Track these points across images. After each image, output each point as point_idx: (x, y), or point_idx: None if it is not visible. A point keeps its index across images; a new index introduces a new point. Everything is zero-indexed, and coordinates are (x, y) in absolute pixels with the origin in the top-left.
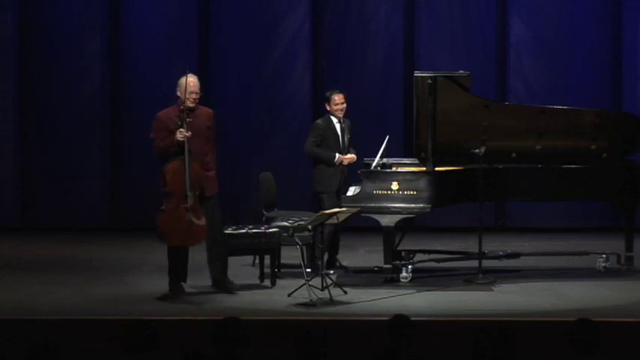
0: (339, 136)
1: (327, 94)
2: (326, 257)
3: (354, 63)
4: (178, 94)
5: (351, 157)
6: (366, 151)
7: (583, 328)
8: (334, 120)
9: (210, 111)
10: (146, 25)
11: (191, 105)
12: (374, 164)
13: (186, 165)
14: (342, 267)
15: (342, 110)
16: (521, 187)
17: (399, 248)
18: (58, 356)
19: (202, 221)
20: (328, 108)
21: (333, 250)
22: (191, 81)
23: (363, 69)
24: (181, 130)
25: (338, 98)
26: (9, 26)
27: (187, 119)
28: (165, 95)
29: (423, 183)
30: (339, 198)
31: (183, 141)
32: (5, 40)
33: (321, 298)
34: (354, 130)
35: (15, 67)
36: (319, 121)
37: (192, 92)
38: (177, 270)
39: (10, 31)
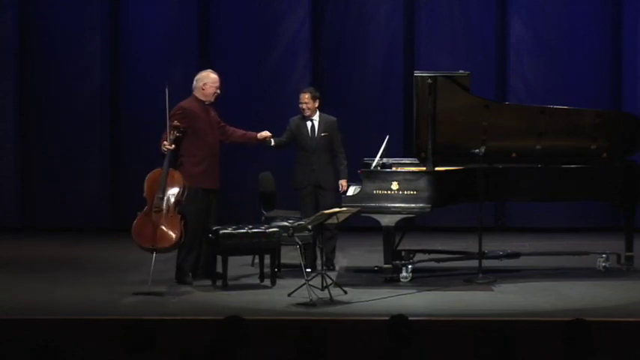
0: (308, 133)
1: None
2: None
3: (354, 63)
4: (202, 88)
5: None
6: (366, 151)
7: (576, 328)
8: (305, 118)
9: (213, 107)
10: (146, 25)
11: (212, 100)
12: (374, 164)
13: (164, 175)
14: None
15: (304, 111)
16: (521, 187)
17: (399, 248)
18: (59, 357)
19: (174, 225)
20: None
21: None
22: (215, 77)
23: (363, 69)
24: (165, 142)
25: (302, 97)
26: (9, 26)
27: (177, 134)
28: (165, 95)
29: (423, 183)
30: (318, 197)
31: (166, 153)
32: (5, 40)
33: (321, 298)
34: (333, 129)
35: (15, 67)
36: (292, 118)
37: (218, 88)
38: (189, 260)
39: (10, 31)
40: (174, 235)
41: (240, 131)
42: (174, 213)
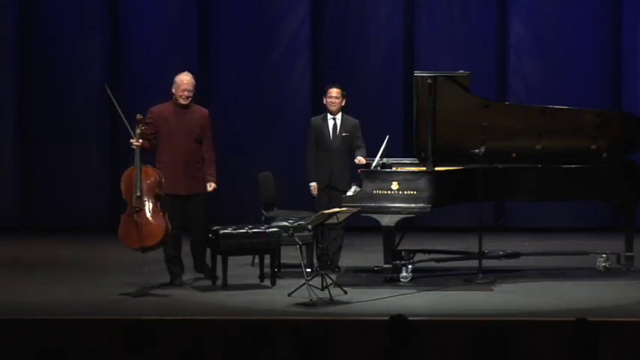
0: (329, 132)
1: (326, 87)
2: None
3: (354, 63)
4: (173, 91)
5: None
6: (366, 151)
7: (581, 328)
8: (328, 116)
9: (206, 111)
10: (146, 25)
11: (183, 102)
12: (374, 164)
13: (136, 172)
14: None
15: (333, 104)
16: (521, 187)
17: (399, 248)
18: (60, 357)
19: (158, 221)
20: (324, 101)
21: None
22: (184, 79)
23: (363, 69)
24: (132, 140)
25: (332, 92)
26: (9, 26)
27: (142, 128)
28: (166, 95)
29: (423, 183)
30: (331, 197)
31: (135, 149)
32: (5, 40)
33: (321, 298)
34: (355, 131)
35: (15, 67)
36: (313, 118)
37: (184, 90)
38: (174, 261)
39: (10, 31)
40: (160, 231)
41: (208, 168)
42: (156, 207)
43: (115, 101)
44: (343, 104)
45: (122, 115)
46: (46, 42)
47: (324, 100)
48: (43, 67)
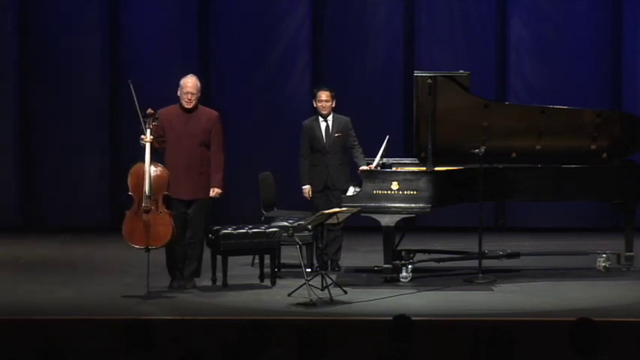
0: (322, 134)
1: (314, 90)
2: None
3: (354, 63)
4: (178, 94)
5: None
6: (366, 151)
7: (584, 327)
8: (320, 118)
9: (215, 114)
10: (146, 25)
11: (187, 105)
12: (374, 164)
13: (146, 169)
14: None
15: (324, 108)
16: (521, 187)
17: (399, 248)
18: (60, 357)
19: (166, 222)
20: (314, 105)
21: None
22: (188, 81)
23: (363, 69)
24: (143, 136)
25: (322, 95)
26: (9, 26)
27: (153, 124)
28: (165, 95)
29: (423, 183)
30: (329, 198)
31: (145, 145)
32: (5, 40)
33: (321, 298)
34: (347, 129)
35: (15, 67)
36: (305, 122)
37: (187, 92)
38: (175, 263)
39: (10, 31)
40: (167, 232)
41: (214, 173)
42: (164, 208)
43: (135, 97)
44: (333, 106)
45: (139, 111)
46: (46, 42)
47: (314, 103)
48: (43, 67)
